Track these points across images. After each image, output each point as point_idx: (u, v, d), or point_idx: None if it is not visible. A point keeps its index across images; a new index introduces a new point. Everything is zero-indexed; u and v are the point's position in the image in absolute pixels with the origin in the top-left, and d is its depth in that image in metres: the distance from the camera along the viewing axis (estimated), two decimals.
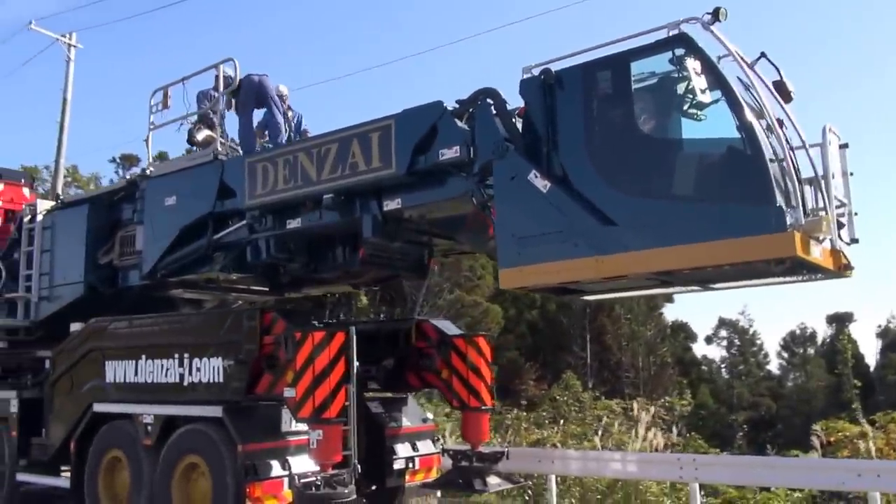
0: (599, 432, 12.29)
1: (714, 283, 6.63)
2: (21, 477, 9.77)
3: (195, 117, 9.11)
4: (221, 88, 8.81)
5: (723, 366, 61.62)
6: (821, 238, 5.43)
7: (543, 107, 6.27)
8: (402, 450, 8.95)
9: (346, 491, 7.12)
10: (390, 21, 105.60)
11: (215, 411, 7.73)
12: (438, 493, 10.10)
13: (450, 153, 6.66)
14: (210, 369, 7.94)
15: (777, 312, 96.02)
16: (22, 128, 78.48)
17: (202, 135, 8.81)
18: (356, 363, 8.53)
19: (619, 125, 6.14)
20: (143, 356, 8.56)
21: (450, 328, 9.36)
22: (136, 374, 8.61)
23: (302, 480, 6.99)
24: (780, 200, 5.21)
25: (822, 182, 5.67)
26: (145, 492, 8.21)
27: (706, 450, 14.02)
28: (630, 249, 5.64)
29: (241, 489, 7.27)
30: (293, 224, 7.89)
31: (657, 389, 36.13)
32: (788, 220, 5.18)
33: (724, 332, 62.57)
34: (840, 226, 5.87)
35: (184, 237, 8.55)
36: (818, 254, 5.47)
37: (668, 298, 44.51)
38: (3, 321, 10.28)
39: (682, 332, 50.53)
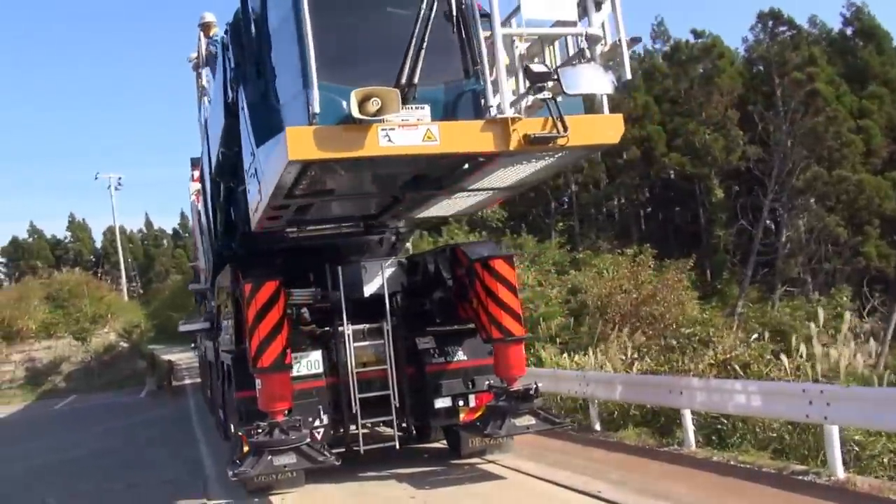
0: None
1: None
2: None
3: None
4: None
5: None
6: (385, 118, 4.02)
7: None
8: (451, 387, 8.32)
9: (294, 437, 7.00)
10: None
11: (227, 358, 8.30)
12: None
13: None
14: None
15: None
16: None
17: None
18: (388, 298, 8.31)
19: None
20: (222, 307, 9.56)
21: (478, 251, 8.23)
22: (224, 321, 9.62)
23: (245, 428, 7.12)
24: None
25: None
26: None
27: None
28: None
29: (236, 434, 7.72)
30: None
31: None
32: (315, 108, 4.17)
33: None
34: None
35: None
36: (410, 139, 4.04)
37: None
38: (196, 286, 12.35)
39: None
